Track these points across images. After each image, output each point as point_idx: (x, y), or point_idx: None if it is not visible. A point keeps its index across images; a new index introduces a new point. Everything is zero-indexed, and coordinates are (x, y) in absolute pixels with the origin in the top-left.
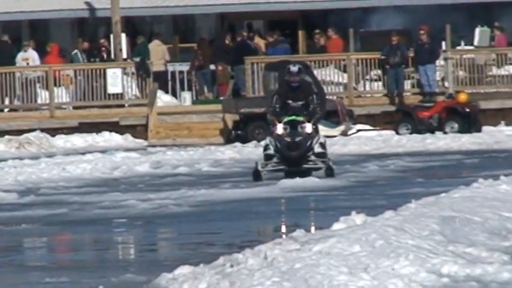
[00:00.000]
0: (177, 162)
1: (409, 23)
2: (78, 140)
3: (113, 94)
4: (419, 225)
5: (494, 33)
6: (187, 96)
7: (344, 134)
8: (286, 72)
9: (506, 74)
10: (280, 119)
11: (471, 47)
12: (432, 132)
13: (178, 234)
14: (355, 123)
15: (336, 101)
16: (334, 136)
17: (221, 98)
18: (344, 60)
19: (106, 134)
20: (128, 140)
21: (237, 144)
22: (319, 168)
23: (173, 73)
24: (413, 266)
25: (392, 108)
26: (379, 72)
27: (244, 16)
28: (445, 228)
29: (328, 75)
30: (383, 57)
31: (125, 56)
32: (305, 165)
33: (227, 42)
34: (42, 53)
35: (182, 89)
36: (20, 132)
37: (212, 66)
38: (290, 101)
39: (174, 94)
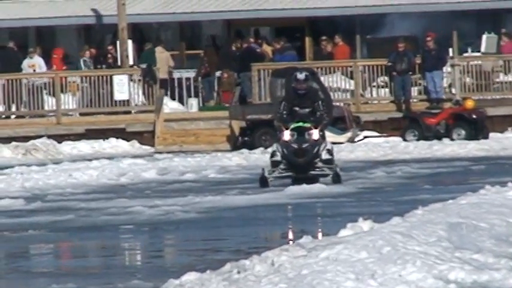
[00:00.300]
0: (184, 168)
1: (416, 29)
2: (85, 147)
3: (120, 101)
4: (427, 232)
5: (503, 40)
6: (194, 103)
7: (351, 140)
8: (293, 80)
9: None
10: (287, 126)
11: (478, 54)
12: (439, 138)
13: (185, 241)
14: (362, 130)
15: (342, 108)
16: (341, 143)
17: (224, 104)
18: (351, 66)
19: (113, 141)
20: (134, 146)
21: (244, 150)
22: (326, 175)
23: (180, 80)
24: (420, 272)
25: (399, 114)
26: (386, 78)
27: (251, 23)
28: (452, 235)
29: (335, 81)
30: (390, 63)
31: (131, 62)
32: (312, 172)
33: (234, 49)
34: (48, 59)
35: (189, 95)
36: (26, 138)
37: (218, 73)
38: (297, 108)
39: (181, 101)
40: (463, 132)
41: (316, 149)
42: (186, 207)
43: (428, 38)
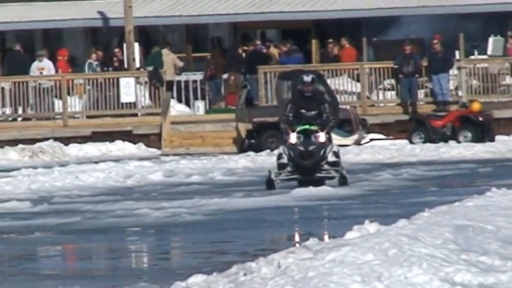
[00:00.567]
0: (191, 171)
1: (422, 32)
2: (91, 149)
3: (126, 103)
4: (433, 234)
5: (509, 43)
6: (200, 106)
7: (357, 143)
8: (300, 82)
9: None
10: (293, 128)
11: (485, 56)
12: (445, 141)
13: (191, 243)
14: (368, 132)
15: (349, 110)
16: (348, 145)
17: (230, 107)
18: (357, 69)
19: (119, 143)
20: (141, 149)
21: (250, 153)
22: (332, 177)
23: (186, 82)
24: (426, 274)
25: (406, 117)
26: (393, 81)
27: (258, 25)
28: (459, 237)
29: (342, 84)
30: (396, 66)
31: (138, 65)
32: (318, 174)
33: (240, 51)
34: (54, 62)
35: (195, 98)
36: (33, 141)
37: (225, 76)
38: (303, 111)
39: (188, 103)
40: (469, 134)
41: (322, 152)
42: (192, 210)
43: (435, 41)
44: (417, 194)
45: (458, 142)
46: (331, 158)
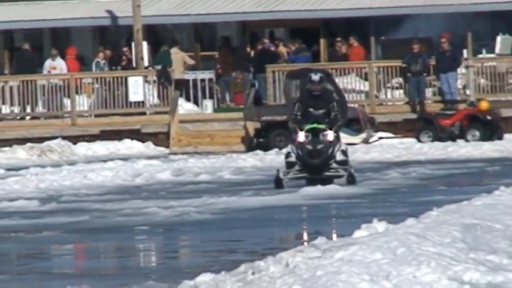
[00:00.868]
0: (199, 169)
1: (430, 31)
2: (99, 148)
3: (135, 102)
4: (441, 233)
5: None
6: (208, 104)
7: (366, 141)
8: (308, 81)
9: None
10: (301, 127)
11: (493, 55)
12: (454, 140)
13: (199, 242)
14: (376, 131)
15: (357, 109)
16: (356, 144)
17: (235, 106)
18: (365, 68)
19: (128, 142)
20: (149, 147)
21: (259, 151)
22: (340, 176)
23: (195, 81)
24: (434, 273)
25: (414, 116)
26: (401, 80)
27: (266, 24)
28: (467, 236)
29: (350, 83)
30: (404, 65)
31: (146, 64)
32: (327, 173)
33: (248, 50)
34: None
35: (204, 97)
36: (41, 139)
37: (234, 74)
38: (311, 109)
39: (196, 102)
40: (477, 133)
41: (330, 150)
42: (200, 208)
43: (443, 40)
44: (425, 192)
45: (467, 141)
46: (339, 156)
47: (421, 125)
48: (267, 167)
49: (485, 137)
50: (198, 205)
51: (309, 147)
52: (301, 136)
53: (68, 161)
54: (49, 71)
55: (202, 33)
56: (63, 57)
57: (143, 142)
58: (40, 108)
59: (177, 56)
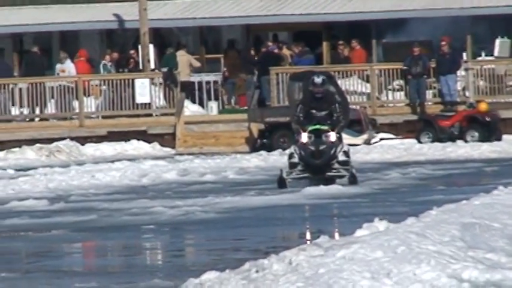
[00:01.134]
0: (204, 170)
1: (430, 34)
2: (107, 149)
3: (141, 104)
4: (441, 232)
5: None
6: (214, 106)
7: (367, 142)
8: (311, 83)
9: None
10: (304, 128)
11: (491, 58)
12: (453, 140)
13: (205, 240)
14: (377, 132)
15: (359, 110)
16: (358, 144)
17: (239, 107)
18: (367, 70)
19: (134, 143)
20: (155, 148)
21: (263, 152)
22: (342, 176)
23: (200, 83)
24: (434, 271)
25: (414, 117)
26: (402, 82)
27: (270, 27)
28: (466, 235)
29: (352, 85)
30: (405, 67)
31: (152, 66)
32: (329, 173)
33: (252, 53)
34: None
35: (209, 98)
36: (50, 140)
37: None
38: (314, 111)
39: (201, 104)
40: (476, 134)
41: (333, 151)
42: (205, 208)
43: (443, 43)
44: (425, 192)
45: (466, 142)
46: (341, 157)
47: (421, 126)
48: (270, 167)
49: (484, 138)
50: (203, 204)
51: (312, 147)
52: (304, 137)
53: (76, 162)
54: (58, 74)
55: (207, 36)
56: (73, 60)
57: (150, 143)
58: (49, 110)
59: (183, 58)
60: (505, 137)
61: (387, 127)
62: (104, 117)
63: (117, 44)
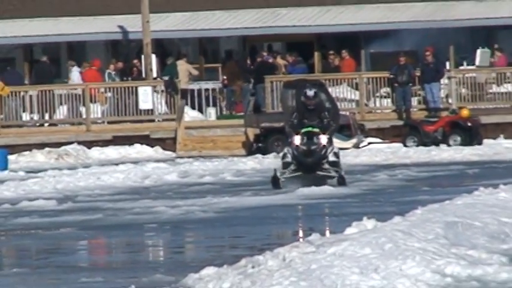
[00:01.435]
0: (203, 172)
1: (415, 44)
2: (112, 152)
3: (144, 110)
4: (425, 230)
5: (495, 54)
6: (212, 112)
7: (356, 146)
8: (303, 96)
9: (505, 91)
10: (297, 131)
11: (473, 67)
12: (437, 144)
13: (204, 238)
14: (366, 137)
15: (348, 116)
16: (347, 148)
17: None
18: (356, 78)
19: (138, 146)
20: (157, 151)
21: (258, 155)
22: (332, 177)
23: (199, 90)
24: (419, 266)
25: (400, 122)
26: (388, 89)
27: (265, 38)
28: (449, 233)
29: (342, 92)
30: (392, 76)
31: (155, 75)
32: (319, 172)
33: (248, 62)
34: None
35: (208, 105)
36: (59, 144)
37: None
38: (306, 121)
39: (201, 110)
40: (458, 138)
41: (324, 151)
42: (204, 207)
43: (427, 53)
44: (411, 193)
45: (449, 145)
46: (331, 158)
47: (407, 131)
48: (265, 170)
49: (466, 142)
50: (202, 204)
51: (304, 147)
52: (297, 139)
53: (83, 164)
54: (66, 81)
55: (206, 46)
56: (81, 68)
57: (152, 147)
58: (57, 116)
59: (183, 67)
60: (485, 141)
61: (375, 132)
62: (109, 122)
63: (122, 54)
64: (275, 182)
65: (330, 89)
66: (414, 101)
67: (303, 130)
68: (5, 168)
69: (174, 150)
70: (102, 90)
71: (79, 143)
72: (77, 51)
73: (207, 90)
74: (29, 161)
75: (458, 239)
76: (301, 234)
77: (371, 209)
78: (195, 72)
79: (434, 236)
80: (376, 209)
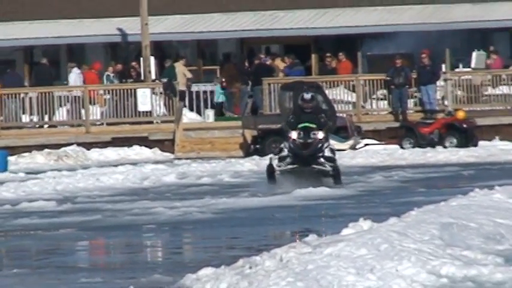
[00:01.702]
0: (201, 173)
1: (412, 47)
2: (111, 153)
3: (143, 112)
4: (421, 231)
5: (491, 57)
6: (210, 114)
7: (353, 147)
8: (300, 99)
9: (500, 93)
10: (294, 128)
11: (468, 69)
12: (433, 146)
13: (201, 239)
14: (362, 138)
15: (345, 118)
16: (344, 150)
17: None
18: (353, 81)
19: (136, 148)
20: (156, 153)
21: (255, 157)
22: (327, 171)
23: (198, 92)
24: (415, 267)
25: (397, 124)
26: (385, 91)
27: (263, 41)
28: (444, 233)
29: (339, 94)
30: (388, 78)
31: (153, 77)
32: (315, 166)
33: (246, 64)
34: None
35: (206, 107)
36: (58, 146)
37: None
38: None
39: (199, 112)
40: (454, 140)
41: (320, 145)
42: (202, 209)
43: (423, 55)
44: (406, 194)
45: (445, 147)
46: (327, 153)
47: (403, 132)
48: (262, 171)
49: (462, 144)
50: (200, 205)
51: (301, 140)
52: (294, 134)
53: (82, 166)
54: (65, 83)
55: (204, 49)
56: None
57: (150, 148)
58: (57, 117)
59: (179, 69)
60: (481, 143)
61: (371, 133)
62: (108, 124)
63: (121, 56)
64: (270, 172)
65: (327, 91)
66: (410, 103)
67: (300, 126)
68: (5, 169)
69: (172, 152)
70: (101, 92)
71: (78, 144)
72: (77, 53)
73: (205, 92)
74: (28, 163)
75: (453, 240)
76: (298, 235)
77: (367, 210)
78: (189, 75)
79: (430, 237)
80: (372, 210)
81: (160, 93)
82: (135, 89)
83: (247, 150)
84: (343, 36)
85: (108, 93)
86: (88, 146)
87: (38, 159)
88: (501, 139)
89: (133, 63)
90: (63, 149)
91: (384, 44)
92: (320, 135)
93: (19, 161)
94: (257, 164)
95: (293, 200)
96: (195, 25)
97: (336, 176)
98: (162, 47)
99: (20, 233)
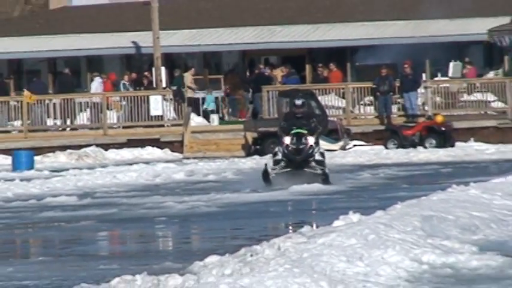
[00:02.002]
0: (207, 171)
1: (395, 58)
2: (126, 154)
3: (155, 116)
4: (404, 222)
5: (466, 67)
6: (215, 118)
7: (343, 148)
8: (293, 105)
9: (474, 99)
10: (288, 133)
11: (446, 78)
12: (414, 147)
13: (207, 230)
14: (351, 140)
15: (336, 122)
16: (335, 150)
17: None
18: (343, 88)
19: (149, 149)
20: (167, 153)
21: (256, 156)
22: (318, 174)
23: (204, 99)
24: (399, 255)
25: (382, 127)
26: (371, 98)
27: (262, 52)
28: (425, 225)
29: (330, 100)
30: (374, 86)
31: (164, 85)
32: (306, 169)
33: (247, 74)
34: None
35: (211, 112)
36: (79, 147)
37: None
38: (294, 127)
39: (205, 116)
40: (434, 141)
41: (311, 150)
42: (208, 203)
43: (406, 65)
44: (391, 190)
45: (425, 148)
46: (317, 157)
47: (388, 134)
48: (262, 169)
49: (440, 145)
50: (206, 200)
51: (294, 146)
52: (287, 139)
53: (100, 164)
54: (86, 90)
55: (210, 59)
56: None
57: (162, 149)
58: (78, 121)
59: (188, 79)
60: (458, 144)
61: (359, 135)
62: (124, 127)
63: (135, 67)
64: (266, 176)
65: (319, 98)
66: (394, 108)
67: (293, 131)
68: (32, 167)
69: (181, 152)
70: (118, 98)
71: (97, 145)
72: (95, 64)
73: (197, 99)
74: (52, 162)
75: (433, 231)
76: (294, 226)
77: (356, 204)
78: (193, 87)
79: (412, 228)
80: (360, 204)
81: (171, 99)
82: (147, 96)
83: (249, 151)
84: (334, 49)
85: (124, 99)
86: (106, 146)
87: (61, 158)
88: (476, 140)
89: (146, 73)
90: (83, 149)
91: (371, 55)
92: (311, 140)
93: (44, 160)
94: (257, 162)
95: (289, 195)
96: (202, 38)
97: (325, 178)
98: (172, 58)
99: (45, 225)
